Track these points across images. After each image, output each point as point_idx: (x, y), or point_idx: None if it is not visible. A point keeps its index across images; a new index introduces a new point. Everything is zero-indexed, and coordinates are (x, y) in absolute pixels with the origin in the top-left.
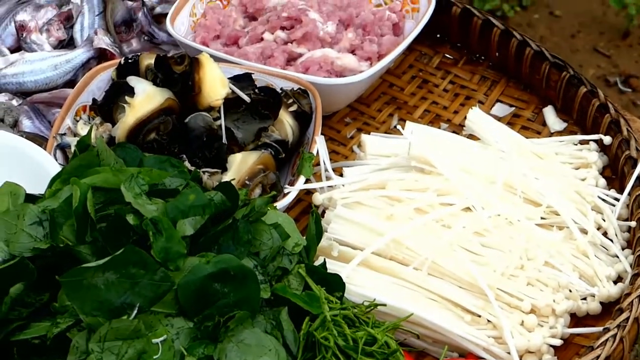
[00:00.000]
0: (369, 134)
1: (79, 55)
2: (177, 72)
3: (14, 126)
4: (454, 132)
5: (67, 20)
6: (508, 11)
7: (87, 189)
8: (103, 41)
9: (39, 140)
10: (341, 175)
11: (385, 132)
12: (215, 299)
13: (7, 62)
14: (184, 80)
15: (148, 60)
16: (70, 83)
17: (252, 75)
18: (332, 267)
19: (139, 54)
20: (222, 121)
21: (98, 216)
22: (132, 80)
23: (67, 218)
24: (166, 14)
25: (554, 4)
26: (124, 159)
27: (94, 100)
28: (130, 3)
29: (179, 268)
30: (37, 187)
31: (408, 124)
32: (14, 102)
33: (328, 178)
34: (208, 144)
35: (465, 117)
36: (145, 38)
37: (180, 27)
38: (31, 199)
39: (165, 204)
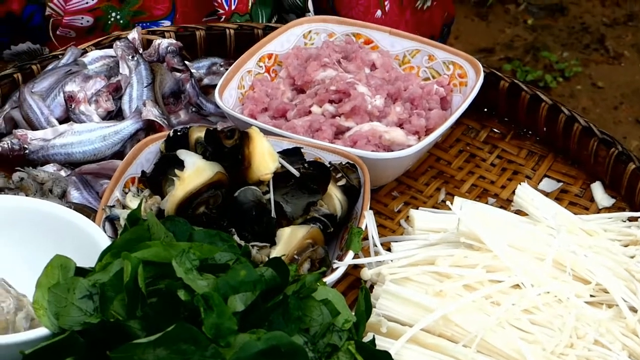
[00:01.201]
0: (417, 208)
1: (128, 126)
2: (227, 146)
3: (62, 197)
4: (501, 207)
5: (116, 92)
6: (550, 82)
7: (138, 263)
8: (151, 113)
9: (87, 211)
10: (389, 250)
11: (433, 207)
12: None
13: (56, 132)
14: (233, 154)
15: (198, 133)
16: (119, 154)
17: (301, 149)
18: (381, 343)
19: (188, 126)
20: (271, 195)
21: (148, 291)
22: (182, 154)
23: (117, 292)
24: (213, 86)
25: (597, 75)
26: (173, 232)
27: (142, 172)
28: (178, 75)
29: (229, 344)
30: (86, 259)
31: (457, 199)
32: (62, 173)
33: (376, 253)
34: (257, 218)
35: (512, 192)
36: (193, 109)
37: (228, 99)
38: (81, 272)
39: (216, 280)
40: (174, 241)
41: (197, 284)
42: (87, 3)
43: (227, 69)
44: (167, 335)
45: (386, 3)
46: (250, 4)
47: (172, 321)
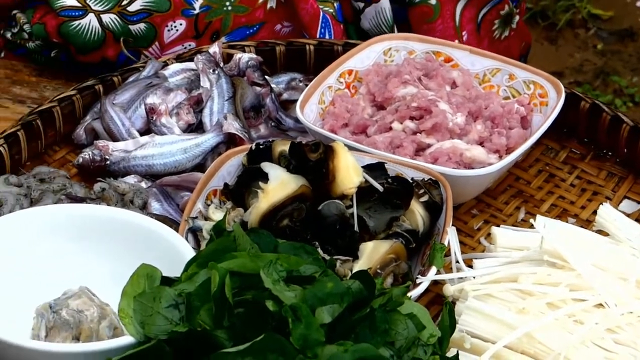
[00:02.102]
0: (497, 226)
1: (209, 139)
2: (312, 159)
3: (143, 208)
4: (581, 227)
5: (197, 105)
6: (620, 106)
7: (225, 273)
8: (232, 126)
9: (168, 222)
10: (470, 266)
11: (512, 225)
12: None
13: (137, 144)
14: (318, 167)
15: (281, 146)
16: (199, 167)
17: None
18: (464, 359)
19: (270, 140)
20: (354, 209)
21: (235, 301)
22: (266, 166)
23: (203, 302)
24: (292, 101)
25: None
26: (257, 244)
27: (225, 185)
28: (258, 89)
29: (317, 356)
30: (170, 269)
31: (539, 217)
32: (143, 184)
33: (458, 269)
34: (340, 232)
35: (592, 213)
36: (273, 124)
37: (309, 114)
38: (167, 281)
39: (304, 291)
40: (260, 253)
41: (285, 295)
42: (184, 48)
43: (306, 85)
44: (255, 346)
45: (464, 33)
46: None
47: (259, 331)
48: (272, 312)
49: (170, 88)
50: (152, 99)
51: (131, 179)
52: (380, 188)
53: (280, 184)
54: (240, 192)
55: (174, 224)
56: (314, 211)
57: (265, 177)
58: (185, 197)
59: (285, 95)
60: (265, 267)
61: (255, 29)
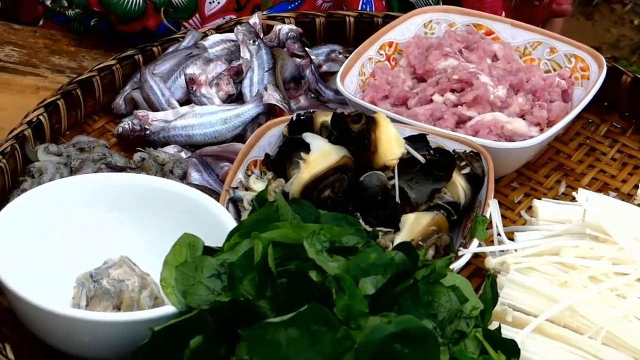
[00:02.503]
0: (539, 199)
1: (249, 110)
2: (354, 130)
3: (183, 178)
4: (622, 200)
5: (237, 75)
6: None
7: (268, 243)
8: (273, 97)
9: (208, 192)
10: (512, 239)
11: (553, 199)
12: (395, 359)
13: (177, 114)
14: (360, 138)
15: (323, 117)
16: (239, 137)
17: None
18: (506, 332)
19: (311, 111)
20: (395, 181)
21: (278, 271)
22: (308, 137)
23: (245, 272)
24: (331, 73)
25: None
26: (299, 214)
27: (266, 155)
28: (298, 60)
29: (360, 327)
30: (211, 238)
31: (581, 191)
32: (183, 155)
33: (500, 242)
34: (382, 203)
35: (634, 187)
36: (312, 95)
37: (349, 85)
38: (209, 251)
39: (347, 262)
40: (302, 223)
41: (329, 266)
42: (224, 21)
43: (345, 57)
44: (299, 316)
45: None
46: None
47: (302, 302)
48: (316, 282)
49: (210, 59)
50: (192, 70)
51: (171, 149)
52: (422, 159)
53: (322, 155)
54: (281, 162)
55: (213, 194)
56: (356, 182)
57: (306, 148)
58: (225, 167)
59: (324, 67)
60: (309, 237)
61: (296, 4)
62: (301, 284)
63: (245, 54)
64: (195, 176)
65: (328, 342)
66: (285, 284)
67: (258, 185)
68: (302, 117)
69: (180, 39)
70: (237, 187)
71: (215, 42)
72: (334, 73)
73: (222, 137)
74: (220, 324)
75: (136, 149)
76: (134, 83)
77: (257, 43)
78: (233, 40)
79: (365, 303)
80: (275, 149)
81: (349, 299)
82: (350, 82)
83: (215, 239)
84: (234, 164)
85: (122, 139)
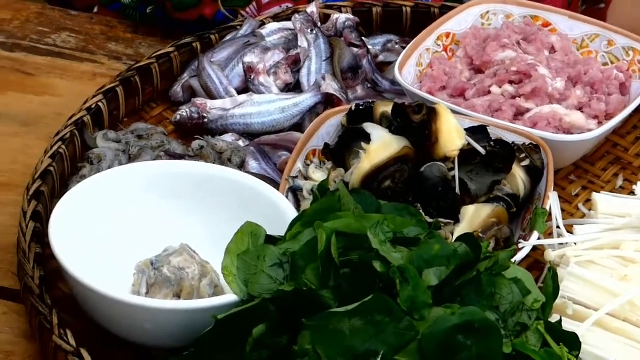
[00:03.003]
0: (597, 193)
1: (307, 99)
2: (415, 121)
3: (241, 167)
4: None
5: (294, 64)
6: None
7: (332, 233)
8: (331, 86)
9: (266, 181)
10: (571, 233)
11: (611, 192)
12: (458, 351)
13: (235, 103)
14: (420, 129)
15: (383, 108)
16: (296, 126)
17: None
18: (566, 325)
19: (370, 101)
20: (456, 172)
21: (341, 261)
22: (369, 127)
23: (307, 262)
24: (388, 63)
25: None
26: (359, 205)
27: (326, 145)
28: (355, 50)
29: (424, 318)
30: (272, 227)
31: None
32: (241, 143)
33: (559, 235)
34: (442, 194)
35: None
36: (369, 85)
37: (407, 76)
38: (271, 240)
39: (410, 253)
40: (364, 213)
41: (393, 256)
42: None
43: (402, 47)
44: (363, 306)
45: None
46: None
47: (365, 292)
48: (380, 273)
49: (267, 47)
50: (250, 58)
51: (229, 137)
52: (482, 151)
53: (382, 145)
54: (341, 152)
55: (271, 183)
56: (416, 173)
57: (366, 138)
58: (283, 156)
59: (381, 57)
60: (372, 227)
61: None
62: (365, 274)
63: (303, 42)
64: (253, 165)
65: (391, 332)
66: (349, 274)
67: (317, 175)
68: (361, 107)
69: (238, 27)
70: (296, 177)
71: (272, 31)
72: (390, 63)
73: (280, 126)
74: (283, 313)
75: (194, 137)
76: (192, 71)
77: (314, 32)
78: (290, 29)
79: (429, 294)
80: (335, 139)
81: (413, 290)
82: (407, 73)
83: (276, 228)
84: (293, 153)
85: (180, 126)
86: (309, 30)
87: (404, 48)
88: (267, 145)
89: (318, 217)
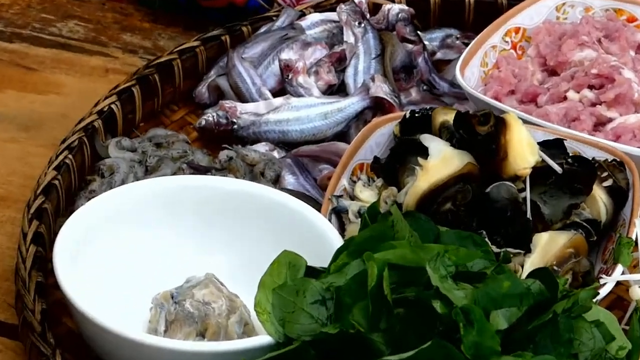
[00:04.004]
0: None
1: (353, 104)
2: (481, 133)
3: (275, 182)
4: None
5: (339, 63)
6: None
7: (384, 266)
8: (381, 89)
9: (304, 200)
10: None
11: None
12: None
13: (270, 106)
14: (487, 142)
15: (443, 116)
16: (340, 135)
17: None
18: None
19: (427, 107)
20: (527, 193)
21: (393, 299)
22: (427, 139)
23: (355, 299)
24: (446, 61)
25: None
26: (415, 231)
27: (375, 158)
28: (410, 46)
29: None
30: (313, 256)
31: None
32: (276, 154)
33: None
34: (511, 219)
35: None
36: (424, 88)
37: (470, 77)
38: (312, 272)
39: (475, 291)
40: (421, 242)
41: (455, 295)
42: None
43: (464, 43)
44: (420, 354)
45: None
46: None
47: (423, 337)
48: (440, 314)
49: (308, 42)
50: (288, 54)
51: (262, 147)
52: (558, 169)
53: (442, 160)
54: (393, 168)
55: (311, 202)
56: (481, 194)
57: (423, 152)
58: (325, 170)
59: (438, 55)
60: (432, 260)
61: None
62: (422, 315)
63: (349, 37)
64: (290, 180)
65: None
66: (403, 314)
67: (365, 194)
68: (417, 115)
69: (274, 18)
70: (341, 195)
71: (314, 23)
72: (449, 62)
73: (321, 135)
74: (325, 359)
75: (222, 146)
76: (220, 68)
77: (363, 25)
78: (335, 21)
79: (497, 340)
80: (386, 152)
81: (478, 335)
82: (470, 74)
83: (318, 258)
84: (337, 167)
85: (205, 133)
86: (357, 23)
87: (466, 45)
88: (306, 157)
89: (368, 246)
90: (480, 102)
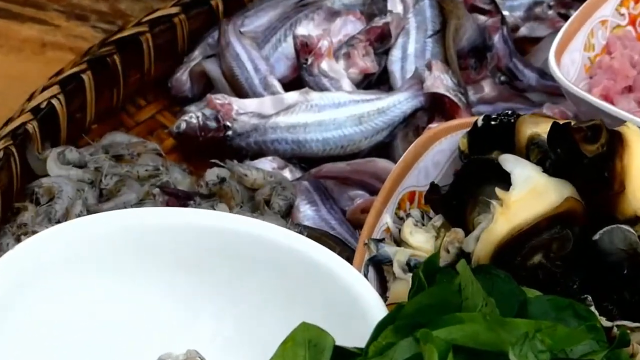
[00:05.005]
0: None
1: (400, 103)
2: (588, 153)
3: (287, 215)
4: None
5: (380, 42)
6: None
7: (447, 350)
8: (441, 82)
9: (330, 242)
10: None
11: None
12: None
13: (281, 104)
14: (596, 168)
15: (531, 127)
16: (381, 149)
17: None
18: None
19: (508, 112)
20: None
21: None
22: (508, 161)
23: None
24: (535, 40)
25: None
26: (490, 295)
27: (432, 185)
28: (482, 19)
29: None
30: (341, 328)
31: None
32: (287, 174)
33: None
34: (630, 280)
35: None
36: (503, 79)
37: (568, 67)
38: (343, 355)
39: None
40: (497, 314)
41: None
42: None
43: (558, 14)
44: None
45: None
46: None
47: None
48: None
49: (336, 10)
50: (306, 29)
51: (267, 164)
52: None
53: (531, 193)
54: (458, 200)
55: (338, 247)
56: (587, 242)
57: (503, 178)
58: (358, 199)
59: (522, 30)
60: (517, 343)
61: None
62: None
63: (395, 5)
64: (307, 213)
65: None
66: None
67: (417, 238)
68: (493, 122)
69: None
70: (382, 239)
71: None
72: (539, 41)
73: (354, 147)
74: None
75: (210, 161)
76: (208, 47)
77: None
78: None
79: None
80: (448, 176)
81: None
82: (569, 61)
83: (348, 331)
84: (378, 197)
85: (186, 141)
86: None
87: (562, 17)
88: (331, 179)
89: (423, 319)
90: (584, 103)
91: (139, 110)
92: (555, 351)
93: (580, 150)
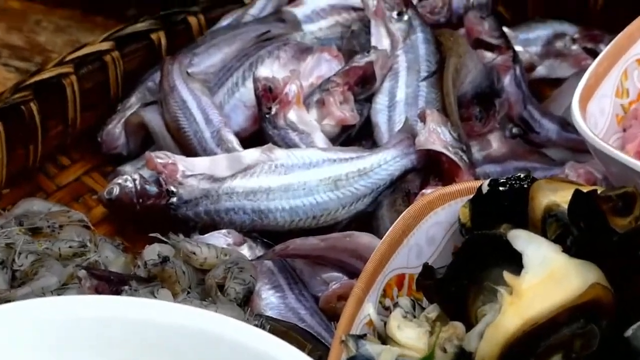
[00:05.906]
0: None
1: (387, 162)
2: (618, 229)
3: (246, 303)
4: None
5: (362, 86)
6: None
7: None
8: (436, 135)
9: (299, 338)
10: None
11: None
12: None
13: (238, 164)
14: (628, 247)
15: (550, 195)
16: (366, 220)
17: None
18: None
19: (521, 175)
20: None
21: None
22: (519, 238)
23: None
24: (555, 82)
25: None
26: None
27: (426, 267)
28: (489, 56)
29: None
30: None
31: None
32: (246, 252)
33: None
34: None
35: None
36: (515, 131)
37: (596, 117)
38: None
39: None
40: None
41: None
42: None
43: (584, 49)
44: None
45: None
46: None
47: None
48: None
49: (307, 47)
50: (269, 69)
51: (221, 238)
52: None
53: (547, 279)
54: (457, 286)
55: (310, 344)
56: (616, 339)
57: (514, 260)
58: (335, 283)
59: (540, 70)
60: None
61: None
62: None
63: (380, 39)
64: (271, 300)
65: None
66: None
67: (407, 333)
68: (502, 188)
69: (247, 1)
70: (364, 335)
71: (315, 11)
72: (561, 82)
73: (329, 218)
74: None
75: (149, 235)
76: (147, 92)
77: (406, 17)
78: (355, 9)
79: None
80: (445, 255)
81: None
82: (598, 110)
83: None
84: (358, 280)
85: (120, 210)
86: (395, 14)
87: (590, 53)
88: (301, 258)
89: None
90: (615, 162)
91: (62, 171)
92: None
93: (609, 225)
